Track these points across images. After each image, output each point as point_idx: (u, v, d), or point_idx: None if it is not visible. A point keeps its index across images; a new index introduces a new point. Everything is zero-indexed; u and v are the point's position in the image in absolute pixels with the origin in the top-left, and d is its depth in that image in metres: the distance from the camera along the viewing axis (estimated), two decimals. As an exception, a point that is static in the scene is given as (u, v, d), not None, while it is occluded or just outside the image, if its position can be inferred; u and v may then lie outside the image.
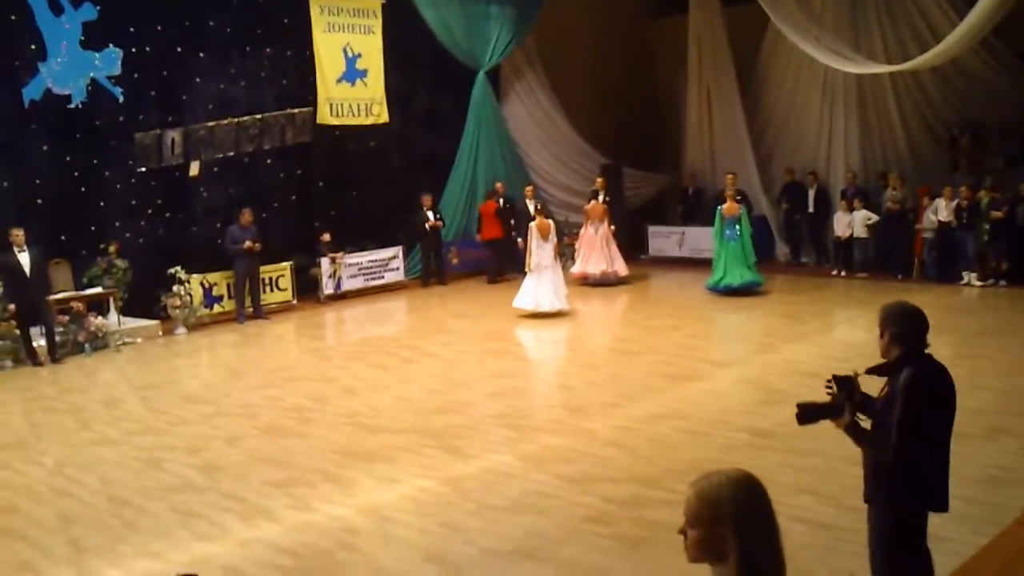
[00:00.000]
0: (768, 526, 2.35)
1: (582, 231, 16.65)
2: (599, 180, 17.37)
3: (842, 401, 4.22)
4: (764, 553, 2.34)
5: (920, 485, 4.29)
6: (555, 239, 14.38)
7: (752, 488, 2.37)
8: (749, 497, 2.36)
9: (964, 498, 6.12)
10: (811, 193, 17.51)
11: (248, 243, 14.74)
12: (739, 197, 15.66)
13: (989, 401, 8.55)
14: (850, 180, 16.96)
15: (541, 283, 14.10)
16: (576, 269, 16.51)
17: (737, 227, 15.08)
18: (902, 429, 4.15)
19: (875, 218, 16.10)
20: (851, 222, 16.30)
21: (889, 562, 4.39)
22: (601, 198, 16.66)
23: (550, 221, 14.56)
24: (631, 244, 18.22)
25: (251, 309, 15.08)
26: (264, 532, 6.51)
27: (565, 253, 16.76)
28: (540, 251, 14.19)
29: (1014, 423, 8.01)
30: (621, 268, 16.60)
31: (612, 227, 16.55)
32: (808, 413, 4.23)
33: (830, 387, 4.27)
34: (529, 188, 17.57)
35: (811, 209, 17.52)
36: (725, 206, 15.30)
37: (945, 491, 4.39)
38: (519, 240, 16.42)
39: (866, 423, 4.32)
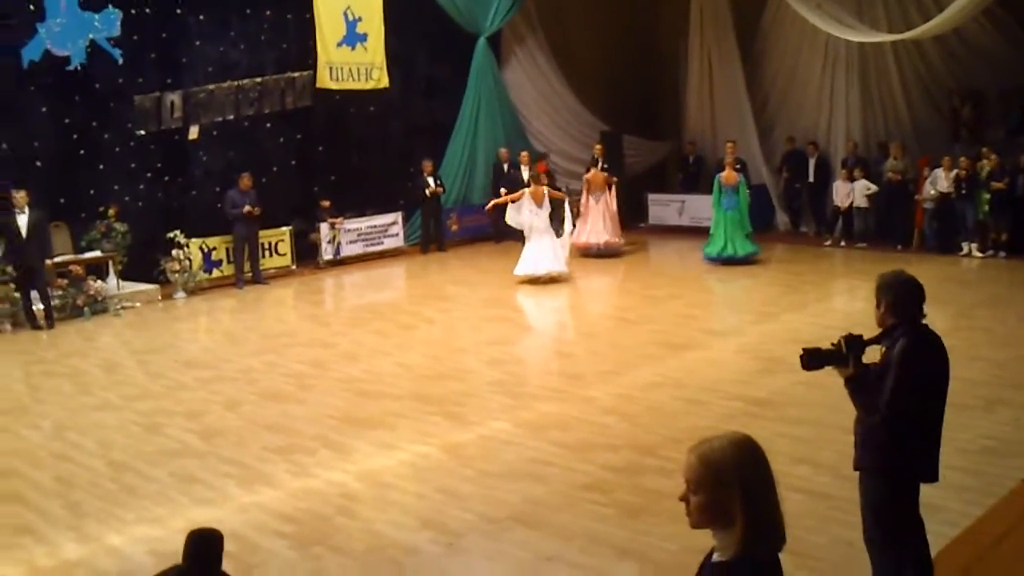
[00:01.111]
0: (770, 488, 2.36)
1: (583, 200, 16.42)
2: (597, 147, 17.24)
3: (849, 352, 4.22)
4: (768, 515, 2.35)
5: (910, 454, 4.34)
6: (549, 206, 14.42)
7: (754, 450, 2.38)
8: (752, 459, 2.36)
9: (960, 469, 6.19)
10: (811, 162, 17.44)
11: (247, 208, 14.70)
12: (738, 166, 15.53)
13: (986, 372, 8.58)
14: (851, 149, 16.87)
15: (540, 247, 14.22)
16: (577, 239, 16.04)
17: (735, 196, 15.02)
18: (893, 395, 4.19)
19: (874, 188, 16.05)
20: (851, 192, 16.25)
21: (880, 530, 4.45)
22: (600, 165, 16.53)
23: (545, 188, 14.59)
24: (631, 212, 18.16)
25: (250, 274, 15.06)
26: (263, 497, 6.55)
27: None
28: (534, 217, 14.28)
29: (1010, 394, 8.05)
30: (619, 239, 16.41)
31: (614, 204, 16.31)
32: (814, 358, 4.24)
33: (836, 344, 4.27)
34: (524, 154, 17.40)
35: (811, 178, 17.46)
36: (724, 174, 15.22)
37: (935, 461, 4.43)
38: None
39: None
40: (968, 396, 7.46)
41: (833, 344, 4.27)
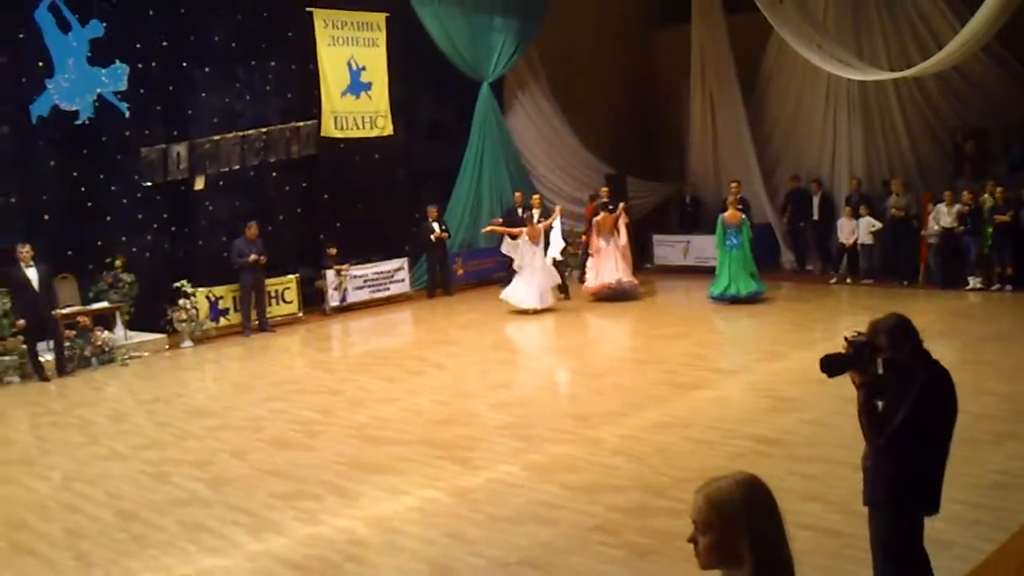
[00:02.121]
0: (778, 527, 2.36)
1: (592, 243, 16.31)
2: (604, 190, 17.28)
3: (864, 353, 4.23)
4: (778, 554, 2.35)
5: (913, 487, 4.34)
6: (542, 246, 15.52)
7: (760, 490, 2.38)
8: (759, 499, 2.37)
9: (970, 503, 6.16)
10: (815, 201, 17.51)
11: (254, 256, 14.79)
12: (740, 206, 15.54)
13: (994, 406, 8.54)
14: (854, 187, 16.95)
15: (531, 284, 15.23)
16: (591, 283, 16.17)
17: (739, 235, 15.05)
18: (904, 424, 4.22)
19: (879, 225, 16.08)
20: (855, 229, 16.29)
21: (888, 565, 4.43)
22: (608, 208, 16.43)
23: (540, 227, 15.60)
24: (636, 253, 18.16)
25: (257, 322, 15.11)
26: (272, 545, 6.52)
27: (569, 263, 16.74)
28: (530, 252, 15.32)
29: (1020, 428, 7.99)
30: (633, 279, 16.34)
31: (625, 237, 16.24)
32: (834, 365, 4.23)
33: (846, 348, 4.29)
34: (536, 197, 17.37)
35: (815, 216, 17.52)
36: (727, 214, 15.27)
37: (938, 493, 4.42)
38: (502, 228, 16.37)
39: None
40: (977, 430, 7.43)
41: (845, 345, 4.27)
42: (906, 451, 4.28)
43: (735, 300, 14.84)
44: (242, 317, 15.08)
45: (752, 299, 14.92)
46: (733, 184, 16.25)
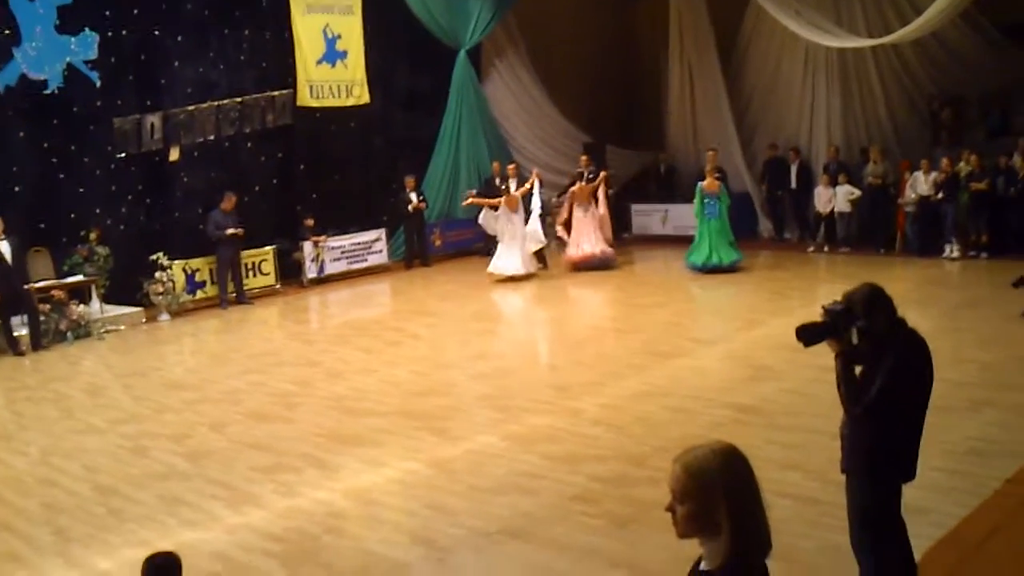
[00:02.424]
0: (755, 496, 2.37)
1: (570, 212, 16.34)
2: (583, 158, 17.22)
3: (841, 322, 4.25)
4: (754, 523, 2.35)
5: (894, 455, 4.39)
6: (523, 212, 15.64)
7: (737, 459, 2.38)
8: (736, 467, 2.37)
9: (946, 470, 6.22)
10: (793, 169, 17.52)
11: (231, 230, 14.65)
12: (718, 174, 15.48)
13: (971, 374, 8.60)
14: (832, 155, 16.97)
15: (512, 251, 15.43)
16: (571, 253, 16.22)
17: (718, 204, 15.04)
18: (879, 393, 4.25)
19: (858, 193, 16.11)
20: (832, 197, 16.33)
21: (865, 532, 4.48)
22: (586, 177, 16.47)
23: (517, 194, 15.66)
24: (615, 222, 18.13)
25: (234, 294, 15.00)
26: (251, 518, 6.50)
27: (549, 233, 16.71)
28: (508, 221, 15.46)
29: (996, 395, 8.07)
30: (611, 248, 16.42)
31: (604, 207, 16.33)
32: (810, 334, 4.27)
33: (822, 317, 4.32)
34: (511, 167, 17.29)
35: (793, 185, 17.53)
36: (705, 183, 15.21)
37: (914, 461, 4.46)
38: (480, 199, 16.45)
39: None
40: (954, 397, 7.48)
41: (822, 314, 4.31)
42: (883, 420, 4.31)
43: (715, 269, 14.85)
44: (219, 290, 14.97)
45: (731, 268, 14.94)
46: (710, 152, 16.16)
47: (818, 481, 6.22)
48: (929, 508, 5.58)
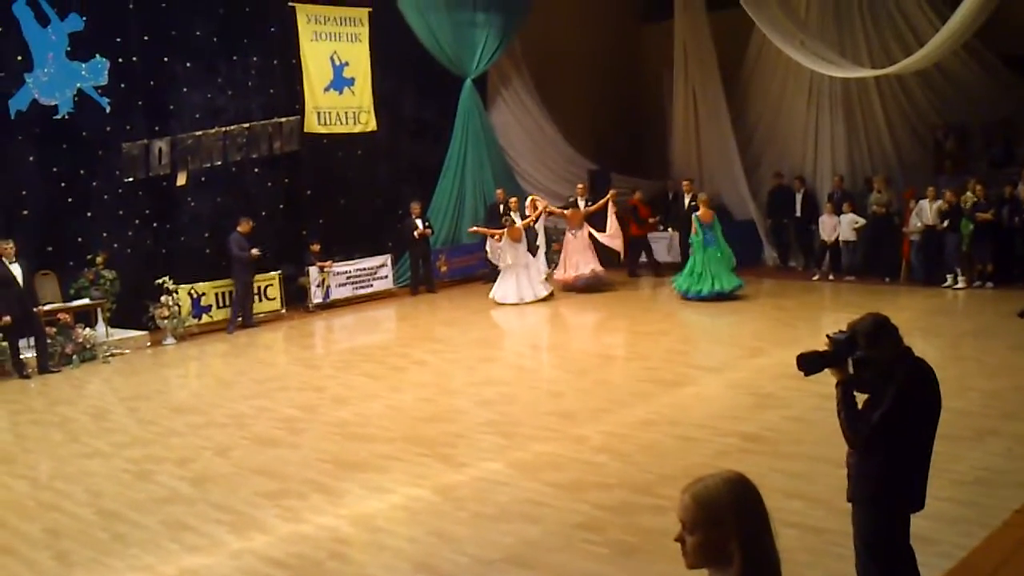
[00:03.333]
0: (766, 525, 2.37)
1: (565, 237, 16.86)
2: (580, 186, 17.43)
3: (844, 352, 4.26)
4: (765, 552, 2.35)
5: (898, 484, 4.37)
6: (526, 241, 16.05)
7: (747, 488, 2.38)
8: (746, 497, 2.37)
9: (953, 500, 6.19)
10: (798, 198, 17.56)
11: (256, 251, 14.86)
12: (694, 203, 15.87)
13: (976, 403, 8.59)
14: (837, 184, 17.03)
15: (518, 279, 15.74)
16: (560, 275, 16.65)
17: (714, 232, 15.18)
18: (883, 419, 4.24)
19: (862, 221, 16.15)
20: (837, 226, 16.36)
21: (873, 563, 4.46)
22: (583, 204, 16.76)
23: (520, 226, 16.03)
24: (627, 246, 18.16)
25: (240, 318, 15.03)
26: (255, 543, 6.48)
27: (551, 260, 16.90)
28: (513, 252, 15.79)
29: (1002, 425, 8.05)
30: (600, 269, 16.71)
31: (614, 223, 16.74)
32: (811, 363, 4.28)
33: (827, 346, 4.34)
34: (514, 200, 17.39)
35: (798, 213, 17.56)
36: (700, 212, 15.41)
37: (921, 490, 4.44)
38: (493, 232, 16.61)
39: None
40: (960, 427, 7.47)
41: (827, 343, 4.33)
42: (887, 449, 4.30)
43: (718, 297, 14.88)
44: (231, 312, 15.01)
45: (733, 295, 14.99)
46: (685, 183, 17.00)
47: (823, 510, 6.20)
48: (937, 539, 5.55)
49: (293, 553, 6.26)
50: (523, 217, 16.43)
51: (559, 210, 16.95)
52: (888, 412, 4.23)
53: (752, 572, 2.32)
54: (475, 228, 16.98)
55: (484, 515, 6.74)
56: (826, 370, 4.31)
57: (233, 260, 14.85)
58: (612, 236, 16.70)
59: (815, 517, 6.17)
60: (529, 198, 17.00)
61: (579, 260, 16.51)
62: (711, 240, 15.11)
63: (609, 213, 16.57)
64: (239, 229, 14.91)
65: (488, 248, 16.33)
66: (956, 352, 10.62)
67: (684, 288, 15.21)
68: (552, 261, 17.16)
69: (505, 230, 15.87)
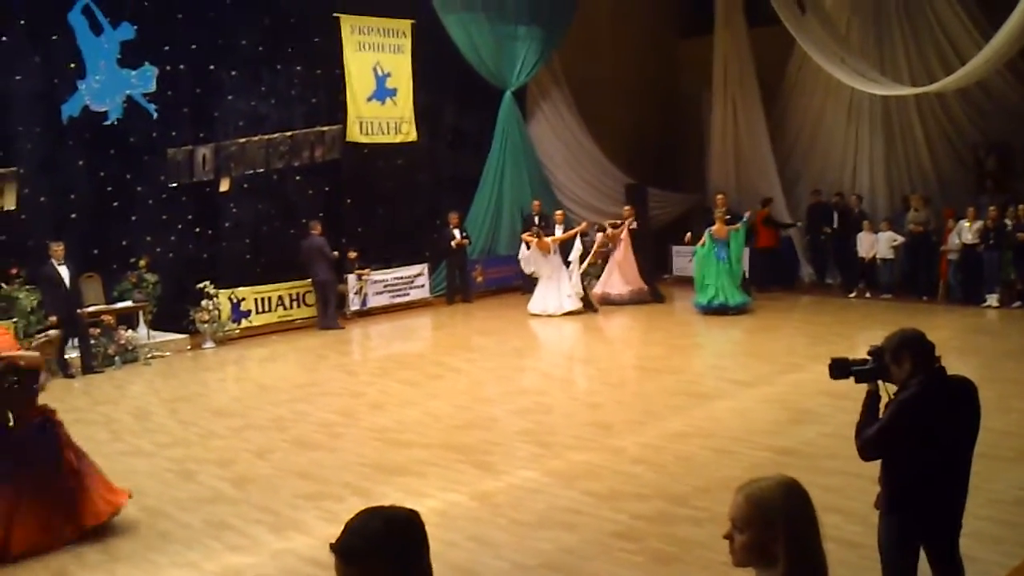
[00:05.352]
0: (814, 530, 2.43)
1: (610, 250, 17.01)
2: (627, 208, 17.37)
3: (872, 366, 4.39)
4: (811, 556, 2.41)
5: (903, 499, 4.41)
6: (558, 253, 16.20)
7: (800, 493, 2.45)
8: (798, 501, 2.43)
9: (992, 519, 6.18)
10: (836, 215, 17.50)
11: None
12: (728, 216, 15.82)
13: (1017, 423, 8.53)
14: (855, 203, 17.06)
15: (548, 291, 15.95)
16: (599, 290, 16.86)
17: (726, 248, 15.37)
18: (877, 433, 4.32)
19: (900, 239, 16.08)
20: (875, 243, 16.30)
21: (884, 569, 4.56)
22: (626, 226, 16.82)
23: (549, 241, 16.21)
24: (655, 264, 18.23)
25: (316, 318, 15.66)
26: (296, 544, 6.60)
27: (589, 272, 16.92)
28: (542, 263, 16.06)
29: (1042, 445, 8.00)
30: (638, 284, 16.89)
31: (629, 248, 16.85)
32: (838, 367, 4.48)
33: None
34: (559, 214, 17.47)
35: (835, 226, 17.48)
36: (714, 228, 15.58)
37: (939, 516, 4.41)
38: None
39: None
40: (1000, 447, 7.45)
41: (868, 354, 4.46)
42: (893, 464, 4.40)
43: (722, 310, 15.12)
44: (321, 311, 15.73)
45: (738, 310, 15.19)
46: (719, 197, 16.60)
47: (859, 524, 6.19)
48: (976, 557, 5.53)
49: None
50: (565, 231, 16.53)
51: (600, 232, 17.09)
52: (884, 427, 4.29)
53: (796, 575, 2.38)
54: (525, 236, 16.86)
55: (522, 522, 6.81)
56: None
57: (318, 262, 15.35)
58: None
59: (851, 532, 6.17)
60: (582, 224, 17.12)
61: (615, 277, 16.73)
62: (722, 256, 15.34)
63: (576, 243, 16.40)
64: (317, 232, 15.41)
65: (520, 255, 16.62)
66: (995, 372, 10.52)
67: (695, 301, 15.59)
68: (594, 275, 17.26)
69: (534, 239, 16.14)
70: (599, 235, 16.97)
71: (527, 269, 16.58)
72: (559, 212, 17.34)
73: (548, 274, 16.06)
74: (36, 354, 7.50)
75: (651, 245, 17.16)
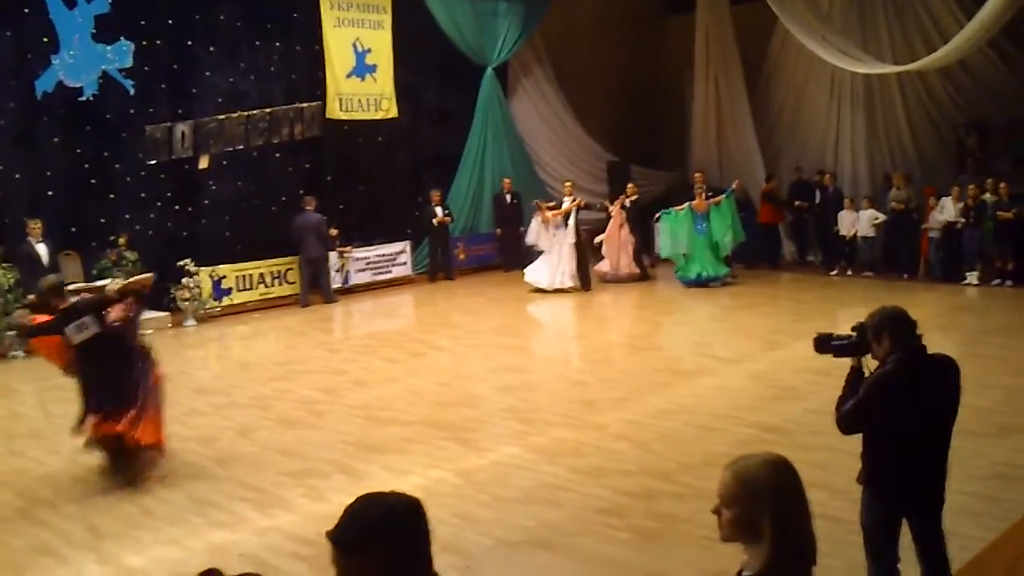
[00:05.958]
0: (802, 507, 2.45)
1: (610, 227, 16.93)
2: (630, 186, 17.31)
3: (854, 343, 4.48)
4: (798, 532, 2.43)
5: (880, 474, 4.49)
6: (563, 228, 16.01)
7: (787, 470, 2.46)
8: (785, 478, 2.45)
9: (973, 494, 6.24)
10: (818, 192, 17.54)
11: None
12: (711, 194, 16.23)
13: (998, 400, 8.61)
14: (829, 181, 17.14)
15: (550, 264, 15.87)
16: (601, 268, 16.94)
17: (706, 222, 15.76)
18: (853, 407, 4.41)
19: (882, 217, 16.14)
20: (856, 221, 16.36)
21: (865, 543, 4.67)
22: (618, 202, 16.82)
23: (551, 215, 16.08)
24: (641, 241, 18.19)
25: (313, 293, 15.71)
26: (280, 521, 6.58)
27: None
28: (545, 236, 16.01)
29: (1022, 421, 8.07)
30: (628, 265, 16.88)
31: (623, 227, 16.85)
32: (822, 343, 4.60)
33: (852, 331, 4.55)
34: (568, 184, 17.26)
35: (816, 201, 17.53)
36: (695, 203, 15.97)
37: (919, 486, 4.48)
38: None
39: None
40: (981, 423, 7.51)
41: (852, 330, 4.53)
42: (870, 439, 4.48)
43: (704, 282, 15.57)
44: (320, 288, 15.79)
45: (721, 281, 15.71)
46: (697, 175, 17.16)
47: (843, 500, 6.20)
48: (957, 531, 5.57)
49: (319, 531, 6.31)
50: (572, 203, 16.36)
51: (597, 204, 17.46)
52: (859, 402, 4.37)
53: (781, 551, 2.40)
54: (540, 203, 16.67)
55: (506, 498, 6.82)
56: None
57: (308, 239, 15.36)
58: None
59: (835, 507, 6.17)
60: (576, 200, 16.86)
61: (619, 257, 16.79)
62: (702, 229, 15.73)
63: (571, 220, 16.19)
64: (312, 208, 15.45)
65: (528, 236, 16.59)
66: (976, 349, 10.60)
67: (679, 274, 15.99)
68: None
69: (539, 212, 16.17)
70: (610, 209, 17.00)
71: (529, 240, 16.57)
72: (568, 183, 17.15)
73: (548, 247, 16.06)
74: (150, 275, 9.42)
75: (637, 223, 17.04)
